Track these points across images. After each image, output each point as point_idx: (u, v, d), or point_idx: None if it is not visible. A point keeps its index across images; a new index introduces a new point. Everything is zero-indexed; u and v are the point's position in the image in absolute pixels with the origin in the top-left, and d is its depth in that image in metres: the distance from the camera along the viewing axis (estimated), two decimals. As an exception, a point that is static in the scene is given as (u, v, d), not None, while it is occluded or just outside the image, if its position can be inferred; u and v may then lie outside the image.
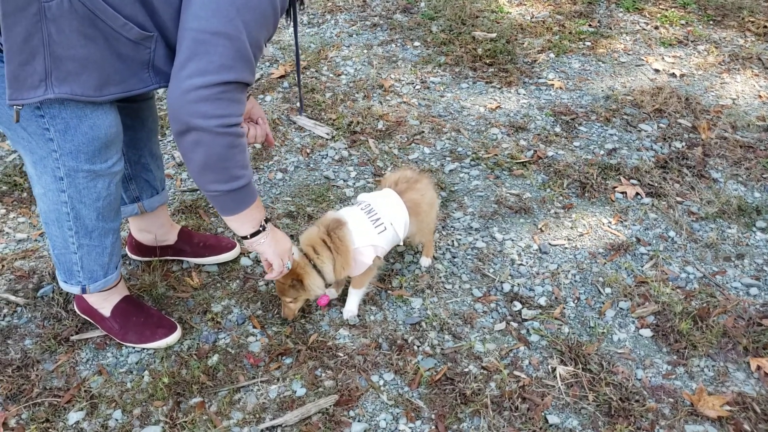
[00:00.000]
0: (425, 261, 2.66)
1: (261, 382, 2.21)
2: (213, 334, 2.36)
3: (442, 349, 2.34)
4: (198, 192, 3.02)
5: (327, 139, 3.38)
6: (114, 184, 2.00)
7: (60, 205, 1.96)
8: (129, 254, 2.61)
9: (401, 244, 2.44)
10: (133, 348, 2.30)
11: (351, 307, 2.43)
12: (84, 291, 2.19)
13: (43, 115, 1.77)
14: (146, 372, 2.23)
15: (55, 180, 1.90)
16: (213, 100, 1.67)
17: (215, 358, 2.28)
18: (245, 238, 2.02)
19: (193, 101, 1.66)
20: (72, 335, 2.34)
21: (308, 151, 3.30)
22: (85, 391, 2.17)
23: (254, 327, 2.39)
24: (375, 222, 2.30)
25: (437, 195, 2.53)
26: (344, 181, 3.11)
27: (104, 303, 2.29)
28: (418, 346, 2.34)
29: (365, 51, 4.20)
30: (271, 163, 3.22)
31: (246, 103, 1.90)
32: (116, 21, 1.65)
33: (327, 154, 3.28)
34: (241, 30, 1.63)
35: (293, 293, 2.27)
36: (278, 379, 2.22)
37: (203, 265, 2.62)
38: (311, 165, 3.22)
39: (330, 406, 2.13)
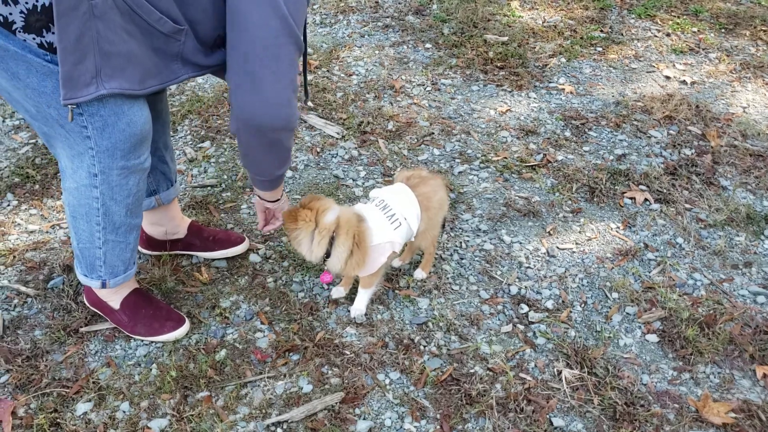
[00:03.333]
0: (420, 273, 2.60)
1: (268, 377, 2.22)
2: (221, 329, 2.38)
3: (448, 349, 2.35)
4: (209, 188, 3.03)
5: (337, 139, 3.40)
6: (143, 180, 2.05)
7: (91, 201, 1.98)
8: (139, 248, 2.63)
9: (413, 239, 2.44)
10: (142, 341, 2.32)
11: (359, 306, 2.44)
12: (104, 286, 2.21)
13: (82, 113, 1.79)
14: (154, 365, 2.25)
15: (89, 176, 1.93)
16: (292, 98, 1.89)
17: (223, 353, 2.29)
18: (276, 200, 2.30)
19: (285, 104, 1.88)
20: (81, 327, 2.36)
21: (318, 150, 3.32)
22: (93, 382, 2.19)
23: (262, 323, 2.40)
24: (391, 218, 2.29)
25: (447, 198, 2.52)
26: (353, 180, 3.13)
27: (114, 296, 2.31)
28: (425, 346, 2.35)
29: (377, 52, 4.22)
30: (281, 161, 3.23)
31: None
32: (152, 15, 1.72)
33: (337, 154, 3.30)
34: (293, 24, 1.79)
35: (293, 231, 2.23)
36: (285, 375, 2.23)
37: (212, 260, 2.63)
38: (321, 164, 3.23)
39: (336, 403, 2.14)
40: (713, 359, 2.34)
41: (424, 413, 2.14)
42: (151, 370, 2.24)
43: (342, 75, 3.96)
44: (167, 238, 2.57)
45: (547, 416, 2.13)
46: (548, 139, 3.46)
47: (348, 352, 2.31)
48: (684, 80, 4.04)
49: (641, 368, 2.31)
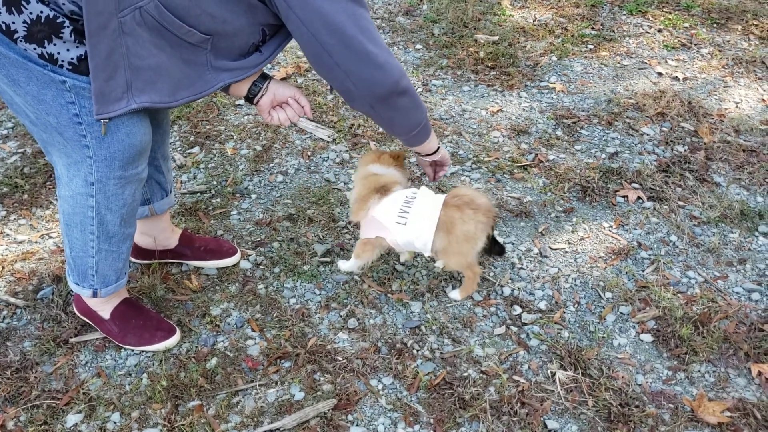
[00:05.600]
0: (454, 294, 2.54)
1: (259, 385, 2.21)
2: (212, 337, 2.36)
3: (441, 353, 2.33)
4: (198, 194, 3.01)
5: (328, 142, 3.38)
6: (139, 191, 2.06)
7: (86, 209, 1.98)
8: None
9: (428, 254, 2.37)
10: (132, 350, 2.30)
11: (342, 264, 2.53)
12: (95, 295, 2.19)
13: (81, 122, 1.80)
14: (145, 374, 2.23)
15: (86, 184, 1.93)
16: (386, 53, 1.88)
17: (214, 361, 2.28)
18: (437, 150, 2.30)
19: (385, 61, 1.86)
20: (71, 337, 2.34)
21: (309, 153, 3.30)
22: (83, 393, 2.17)
23: (253, 330, 2.39)
24: (401, 212, 2.30)
25: (484, 236, 2.34)
26: (345, 183, 3.11)
27: (104, 305, 2.29)
28: (418, 350, 2.34)
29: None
30: (271, 165, 3.21)
31: None
32: (181, 29, 1.72)
33: (328, 157, 3.28)
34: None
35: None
36: (276, 383, 2.21)
37: (202, 267, 2.61)
38: (312, 167, 3.21)
39: (328, 410, 2.12)
40: (708, 358, 2.33)
41: (417, 418, 2.12)
42: (141, 379, 2.22)
43: (332, 78, 3.94)
44: (156, 248, 2.55)
45: (542, 419, 2.12)
46: (540, 138, 3.44)
47: (340, 358, 2.29)
48: (676, 76, 4.03)
49: (636, 368, 2.29)
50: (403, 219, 2.29)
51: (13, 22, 1.64)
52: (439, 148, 2.31)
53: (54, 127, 1.82)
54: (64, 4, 1.65)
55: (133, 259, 2.60)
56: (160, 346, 2.30)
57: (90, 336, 2.35)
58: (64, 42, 1.69)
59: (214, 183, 3.10)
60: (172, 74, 1.80)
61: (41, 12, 1.64)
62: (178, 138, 3.40)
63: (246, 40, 1.85)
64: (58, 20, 1.66)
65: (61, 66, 1.71)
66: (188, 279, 2.57)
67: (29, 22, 1.64)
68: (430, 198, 2.33)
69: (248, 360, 2.28)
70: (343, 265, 2.52)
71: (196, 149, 3.33)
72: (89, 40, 1.63)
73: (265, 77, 2.02)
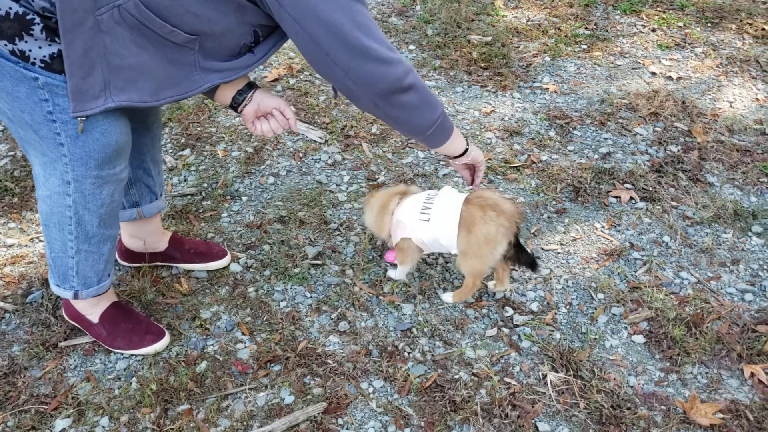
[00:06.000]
0: (447, 297, 2.52)
1: (249, 389, 2.19)
2: (201, 340, 2.35)
3: (432, 355, 2.32)
4: (189, 197, 3.00)
5: (320, 143, 3.36)
6: (118, 192, 2.02)
7: (64, 209, 1.96)
8: (118, 260, 2.60)
9: (454, 253, 2.36)
10: (122, 354, 2.29)
11: (392, 272, 2.60)
12: (76, 296, 2.18)
13: (55, 120, 1.78)
14: (134, 379, 2.22)
15: (62, 183, 1.91)
16: (386, 50, 1.80)
17: (203, 364, 2.26)
18: (464, 153, 2.21)
19: (386, 56, 1.79)
20: (60, 341, 2.33)
21: (301, 155, 3.28)
22: (72, 397, 2.16)
23: (243, 334, 2.37)
24: (424, 209, 2.30)
25: (505, 242, 2.29)
26: (337, 185, 3.10)
27: (93, 309, 2.28)
28: (409, 353, 2.32)
29: (360, 54, 4.18)
30: (263, 167, 3.20)
31: None
32: (163, 29, 1.69)
33: (320, 159, 3.26)
34: None
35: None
36: (266, 387, 2.20)
37: (192, 270, 2.60)
38: (304, 169, 3.20)
39: (318, 413, 2.11)
40: (701, 359, 2.32)
41: (408, 421, 2.11)
42: (131, 383, 2.21)
43: (325, 79, 3.92)
44: (146, 251, 2.54)
45: (533, 421, 2.11)
46: (532, 139, 3.43)
47: (331, 362, 2.28)
48: (670, 76, 4.02)
49: (627, 370, 2.28)
50: (426, 215, 2.29)
51: None
52: (467, 149, 2.22)
53: (29, 124, 1.80)
54: (34, 0, 1.63)
55: (122, 262, 2.59)
56: (150, 349, 2.28)
57: (79, 340, 2.33)
58: (36, 39, 1.67)
59: (205, 185, 3.09)
60: (155, 74, 1.77)
61: (10, 8, 1.62)
62: (169, 140, 3.39)
63: (236, 41, 1.82)
64: (28, 17, 1.64)
65: (33, 63, 1.69)
66: (178, 282, 2.56)
67: None
68: (452, 195, 2.33)
69: (238, 363, 2.27)
70: (394, 273, 2.58)
71: (186, 151, 3.31)
72: (64, 37, 1.61)
73: (251, 86, 2.00)
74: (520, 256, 2.38)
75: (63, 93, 1.73)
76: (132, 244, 2.53)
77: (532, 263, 2.44)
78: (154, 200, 2.43)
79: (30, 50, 1.67)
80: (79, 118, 1.75)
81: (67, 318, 2.35)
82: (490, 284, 2.54)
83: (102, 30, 1.64)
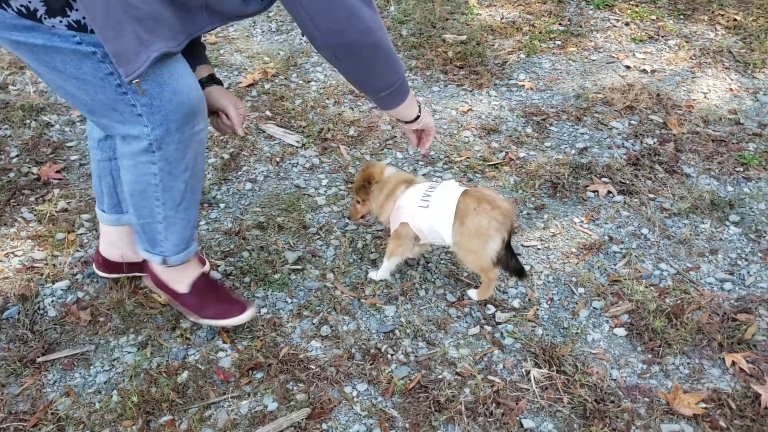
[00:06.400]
0: (472, 293, 2.52)
1: (232, 397, 2.17)
2: (182, 350, 2.32)
3: (416, 356, 2.31)
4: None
5: (297, 147, 3.35)
6: (201, 154, 2.04)
7: (149, 177, 1.98)
8: (96, 271, 2.57)
9: (448, 243, 2.38)
10: (102, 367, 2.26)
11: (378, 272, 2.58)
12: (165, 262, 2.21)
13: (126, 92, 1.78)
14: (115, 391, 2.19)
15: (146, 152, 1.92)
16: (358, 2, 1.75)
17: (185, 374, 2.24)
18: (416, 119, 2.19)
19: (355, 10, 1.73)
20: (38, 357, 2.29)
21: (278, 159, 3.27)
22: (52, 413, 2.12)
23: (224, 342, 2.35)
24: (424, 196, 2.36)
25: (498, 238, 2.28)
26: (315, 189, 3.08)
27: (181, 278, 2.30)
28: (392, 355, 2.32)
29: (336, 57, 4.17)
30: (240, 173, 3.18)
31: None
32: None
33: (297, 163, 3.25)
34: None
35: (363, 194, 2.51)
36: (249, 394, 2.18)
37: (172, 280, 2.57)
38: (281, 174, 3.18)
39: (302, 419, 2.09)
40: (682, 350, 2.33)
41: (392, 424, 2.10)
42: (111, 396, 2.18)
43: (300, 82, 3.91)
44: (123, 260, 2.51)
45: (517, 418, 2.11)
46: (510, 136, 3.44)
47: (313, 367, 2.27)
48: (644, 69, 4.04)
49: (610, 363, 2.29)
50: (425, 203, 2.33)
51: (30, 2, 1.61)
52: (419, 115, 2.21)
53: (107, 104, 1.82)
54: None
55: (100, 273, 2.56)
56: (237, 320, 2.32)
57: (58, 354, 2.30)
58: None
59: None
60: (168, 20, 1.74)
61: None
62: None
63: None
64: None
65: (93, 32, 1.67)
66: (157, 293, 2.53)
67: None
68: (452, 187, 2.37)
69: (220, 372, 2.25)
70: (375, 274, 2.58)
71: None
72: (82, 2, 1.59)
73: (211, 79, 1.99)
74: (510, 260, 2.37)
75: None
76: (110, 253, 2.50)
77: (520, 271, 2.42)
78: None
79: (83, 17, 1.66)
80: (134, 81, 1.73)
81: (150, 285, 2.40)
82: (471, 292, 2.54)
83: None
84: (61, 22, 1.65)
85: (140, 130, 1.87)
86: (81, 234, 2.78)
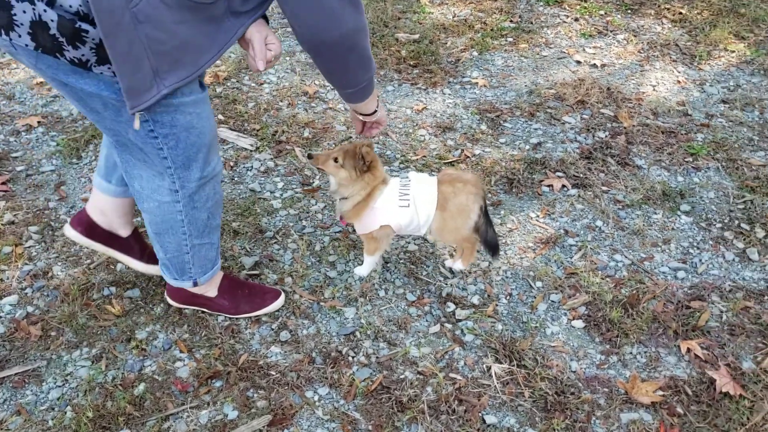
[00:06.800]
0: (457, 265, 2.62)
1: (191, 408, 2.13)
2: (138, 362, 2.27)
3: (377, 357, 2.30)
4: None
5: (251, 151, 3.31)
6: (218, 184, 2.12)
7: (175, 215, 2.07)
8: (70, 232, 2.40)
9: (422, 234, 2.46)
10: (55, 382, 2.19)
11: (360, 270, 2.62)
12: (195, 284, 2.30)
13: (157, 137, 1.85)
14: (69, 407, 2.13)
15: (170, 193, 2.01)
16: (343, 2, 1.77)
17: (141, 386, 2.19)
18: (374, 112, 2.21)
19: (338, 10, 1.75)
20: (-13, 375, 2.22)
21: (232, 164, 3.22)
22: (3, 433, 2.06)
23: (181, 351, 2.30)
24: (402, 196, 2.36)
25: (474, 204, 2.37)
26: (271, 192, 3.05)
27: (208, 286, 2.37)
28: (353, 357, 2.30)
29: (288, 58, 4.14)
30: (194, 179, 3.12)
31: None
32: None
33: (252, 166, 3.21)
34: None
35: (350, 164, 2.33)
36: (208, 404, 2.14)
37: (125, 291, 2.51)
38: (235, 178, 3.14)
39: (263, 426, 2.06)
40: (639, 339, 2.36)
41: (355, 426, 2.08)
42: (65, 413, 2.11)
43: (253, 84, 3.86)
44: (109, 229, 2.40)
45: (480, 414, 2.11)
46: (465, 134, 3.45)
47: (274, 373, 2.24)
48: (594, 64, 4.10)
49: (569, 355, 2.31)
50: (406, 201, 2.35)
51: (83, 55, 1.65)
52: (376, 110, 2.23)
53: (136, 144, 1.89)
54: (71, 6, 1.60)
55: (74, 235, 2.40)
56: (272, 306, 2.44)
57: (8, 372, 2.23)
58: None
59: (135, 201, 2.99)
60: (196, 42, 1.75)
61: (96, 37, 1.63)
62: (94, 158, 3.27)
63: None
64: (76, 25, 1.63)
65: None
66: (110, 304, 2.47)
67: (95, 47, 1.64)
68: (425, 180, 2.40)
69: (178, 382, 2.20)
70: (361, 270, 2.60)
71: (114, 168, 3.20)
72: (106, 40, 1.59)
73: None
74: (488, 229, 2.45)
75: (159, 109, 1.78)
76: (99, 217, 2.36)
77: (494, 246, 2.51)
78: None
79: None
80: (136, 114, 1.75)
81: (175, 304, 2.44)
82: (449, 262, 2.62)
83: (140, 21, 1.61)
84: (108, 69, 1.68)
85: (164, 172, 1.95)
86: (29, 247, 2.70)
